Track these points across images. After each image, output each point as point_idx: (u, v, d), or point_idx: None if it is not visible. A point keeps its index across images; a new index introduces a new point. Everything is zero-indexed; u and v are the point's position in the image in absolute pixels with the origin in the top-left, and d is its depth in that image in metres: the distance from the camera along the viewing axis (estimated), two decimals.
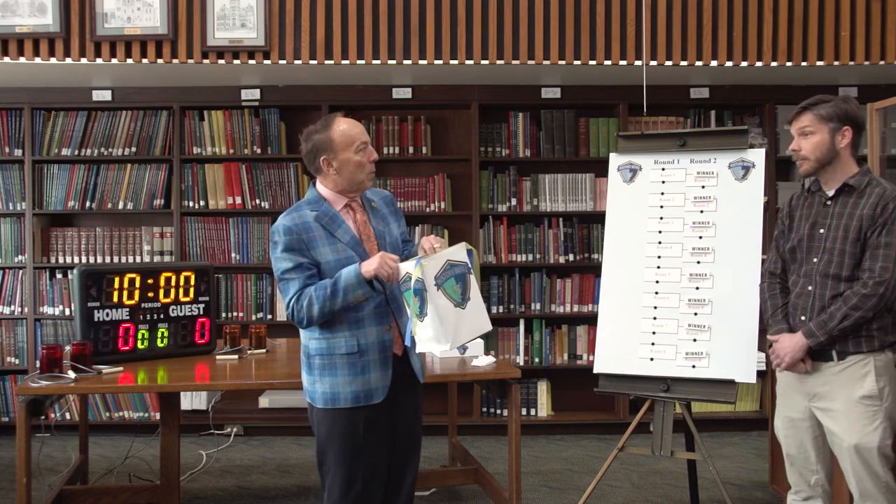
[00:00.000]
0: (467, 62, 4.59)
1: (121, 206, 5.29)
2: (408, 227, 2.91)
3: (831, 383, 2.68)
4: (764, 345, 4.97)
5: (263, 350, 3.83)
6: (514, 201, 5.36)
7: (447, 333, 2.45)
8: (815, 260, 2.73)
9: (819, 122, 2.72)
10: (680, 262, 3.40)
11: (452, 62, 4.59)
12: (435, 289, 2.44)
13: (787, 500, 2.88)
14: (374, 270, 2.43)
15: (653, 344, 3.39)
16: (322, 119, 2.63)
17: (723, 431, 5.32)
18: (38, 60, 4.50)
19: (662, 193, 3.49)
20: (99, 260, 5.29)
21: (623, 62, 4.60)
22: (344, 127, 2.59)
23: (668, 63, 4.61)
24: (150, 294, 3.62)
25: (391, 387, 2.58)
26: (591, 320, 5.23)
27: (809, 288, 2.74)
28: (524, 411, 5.31)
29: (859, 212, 2.67)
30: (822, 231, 2.74)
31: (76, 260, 5.29)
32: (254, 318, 5.28)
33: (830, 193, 2.76)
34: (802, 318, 2.74)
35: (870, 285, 2.60)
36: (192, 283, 3.74)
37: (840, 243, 2.68)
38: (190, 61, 4.53)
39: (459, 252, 2.54)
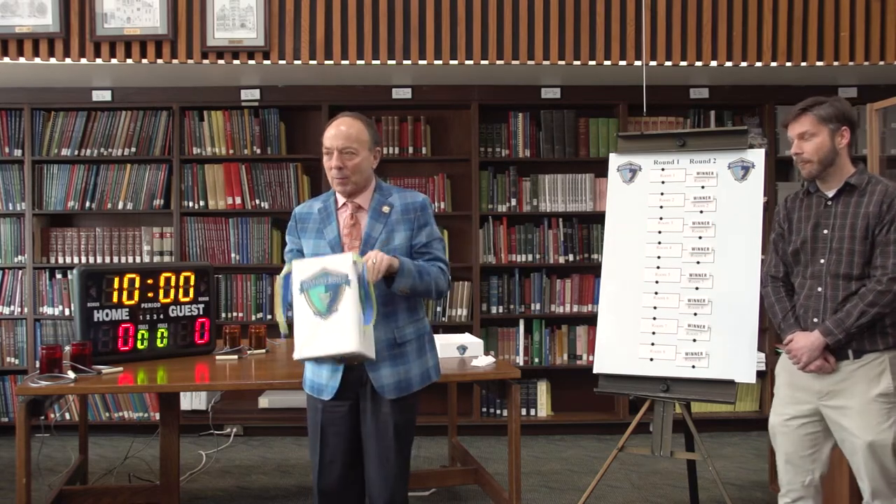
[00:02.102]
0: (467, 62, 4.59)
1: (121, 206, 5.29)
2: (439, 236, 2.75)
3: (847, 381, 2.67)
4: (764, 345, 4.95)
5: (263, 350, 3.83)
6: (513, 201, 5.36)
7: (297, 339, 2.43)
8: (822, 261, 2.73)
9: (819, 124, 2.72)
10: (680, 262, 3.40)
11: (452, 62, 4.59)
12: (298, 292, 2.42)
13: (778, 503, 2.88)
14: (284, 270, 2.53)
15: (652, 344, 3.39)
16: None
17: (723, 431, 5.32)
18: (37, 60, 4.50)
19: (662, 194, 3.49)
20: (99, 260, 5.29)
21: (623, 62, 4.60)
22: (329, 124, 2.65)
23: (668, 63, 4.61)
24: (150, 294, 3.62)
25: (351, 394, 2.61)
26: (590, 320, 5.23)
27: (819, 289, 2.73)
28: (524, 411, 5.31)
29: (864, 210, 2.67)
30: (825, 231, 2.74)
31: (76, 260, 5.29)
32: (253, 318, 5.28)
33: (831, 194, 2.76)
34: (815, 319, 2.73)
35: (884, 282, 2.61)
36: (192, 283, 3.73)
37: (847, 242, 2.68)
38: (190, 61, 4.53)
39: (342, 262, 2.42)
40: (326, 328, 2.39)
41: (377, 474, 2.62)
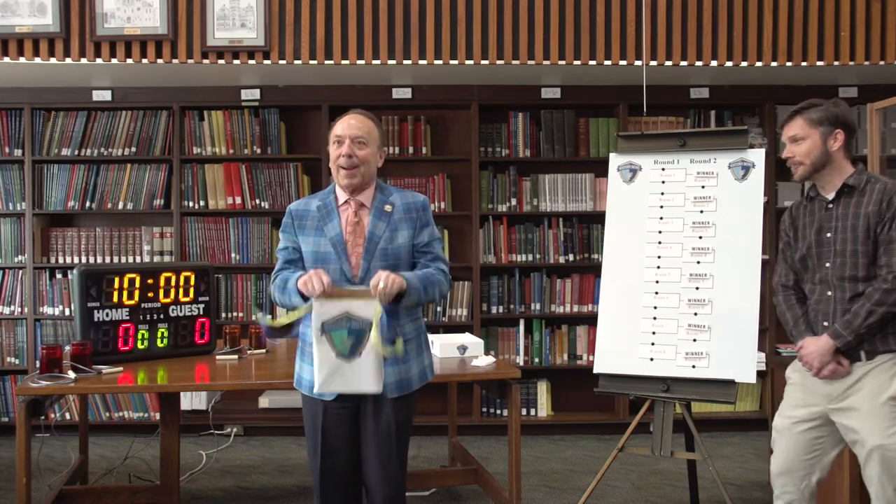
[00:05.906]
0: (467, 62, 4.59)
1: (121, 206, 5.28)
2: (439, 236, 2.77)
3: (859, 382, 2.65)
4: (764, 345, 4.96)
5: (263, 350, 3.83)
6: (513, 201, 5.36)
7: (318, 375, 2.48)
8: (827, 265, 2.72)
9: (809, 127, 2.74)
10: (680, 262, 3.40)
11: (452, 62, 4.59)
12: (319, 332, 2.44)
13: None
14: (300, 283, 2.48)
15: (653, 344, 3.39)
16: None
17: (723, 431, 5.32)
18: (38, 60, 4.50)
19: (662, 193, 3.49)
20: (99, 260, 5.29)
21: (623, 62, 4.60)
22: (339, 120, 2.65)
23: (668, 63, 4.61)
24: (150, 294, 3.62)
25: (353, 395, 2.59)
26: (591, 320, 5.23)
27: (829, 293, 2.72)
28: (524, 411, 5.31)
29: (864, 210, 2.67)
30: (829, 235, 2.73)
31: (76, 260, 5.29)
32: (254, 318, 5.28)
33: (830, 197, 2.76)
34: (825, 323, 2.72)
35: (890, 280, 2.60)
36: (192, 283, 3.73)
37: (850, 244, 2.68)
38: (190, 61, 4.53)
39: (365, 309, 2.45)
40: (349, 369, 2.48)
41: (377, 473, 2.62)
